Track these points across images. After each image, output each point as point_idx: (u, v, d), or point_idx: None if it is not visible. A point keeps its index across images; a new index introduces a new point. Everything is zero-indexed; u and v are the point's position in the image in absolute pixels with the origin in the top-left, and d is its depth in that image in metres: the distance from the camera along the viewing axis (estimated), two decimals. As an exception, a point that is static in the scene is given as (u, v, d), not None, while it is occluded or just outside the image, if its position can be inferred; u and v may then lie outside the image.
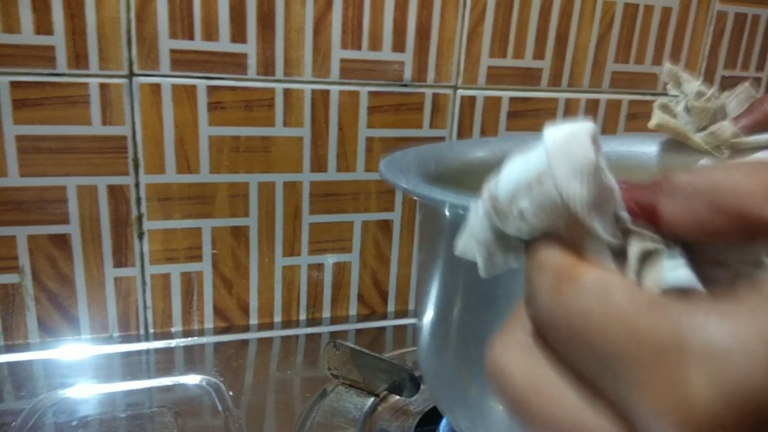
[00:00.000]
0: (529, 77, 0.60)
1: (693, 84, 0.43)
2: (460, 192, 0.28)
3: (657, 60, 0.63)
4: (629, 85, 0.63)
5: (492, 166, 0.50)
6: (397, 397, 0.48)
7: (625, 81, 0.63)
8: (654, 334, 0.12)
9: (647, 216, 0.15)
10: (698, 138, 0.42)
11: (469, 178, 0.44)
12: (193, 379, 0.49)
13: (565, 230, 0.16)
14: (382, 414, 0.47)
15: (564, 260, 0.15)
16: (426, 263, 0.36)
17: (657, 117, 0.43)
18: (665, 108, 0.44)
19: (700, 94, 0.43)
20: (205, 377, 0.50)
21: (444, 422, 0.44)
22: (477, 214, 0.18)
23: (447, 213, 0.32)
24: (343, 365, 0.49)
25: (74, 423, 0.44)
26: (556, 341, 0.14)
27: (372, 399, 0.48)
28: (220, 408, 0.46)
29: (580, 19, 0.59)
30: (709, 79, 0.66)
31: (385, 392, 0.48)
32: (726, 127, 0.40)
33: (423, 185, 0.30)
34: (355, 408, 0.47)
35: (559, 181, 0.15)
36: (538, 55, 0.59)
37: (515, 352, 0.15)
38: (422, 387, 0.48)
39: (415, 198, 0.31)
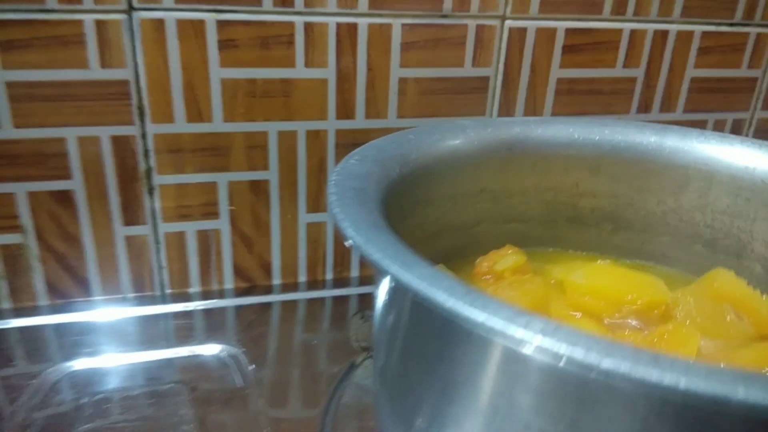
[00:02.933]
0: (589, 4, 0.51)
1: None
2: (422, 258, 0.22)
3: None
4: (703, 13, 0.54)
5: (469, 156, 0.43)
6: (434, 372, 0.44)
7: (699, 9, 0.54)
8: None
9: None
10: None
11: (443, 175, 0.38)
12: (212, 349, 0.46)
13: None
14: (417, 392, 0.43)
15: None
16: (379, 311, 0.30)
17: None
18: None
19: None
20: (225, 347, 0.46)
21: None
22: None
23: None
24: (371, 336, 0.45)
25: (88, 396, 0.41)
26: None
27: (406, 375, 0.43)
28: (240, 383, 0.42)
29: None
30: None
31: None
32: None
33: (385, 245, 0.23)
34: (388, 385, 0.43)
35: None
36: (601, -22, 0.50)
37: None
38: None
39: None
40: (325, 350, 0.47)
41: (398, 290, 0.27)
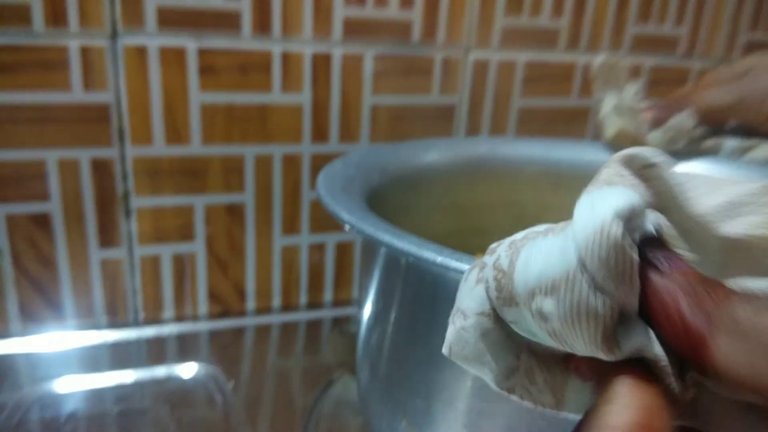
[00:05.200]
0: (546, 38, 0.55)
1: (628, 83, 0.42)
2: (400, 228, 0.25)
3: (680, 20, 0.59)
4: (650, 47, 0.59)
5: (441, 171, 0.46)
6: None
7: (647, 43, 0.59)
8: None
9: (693, 345, 0.12)
10: (654, 137, 0.41)
11: (417, 188, 0.41)
12: (189, 369, 0.45)
13: (601, 342, 0.13)
14: (395, 402, 0.43)
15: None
16: (363, 285, 0.32)
17: (614, 124, 0.41)
18: (619, 110, 0.41)
19: (637, 93, 0.42)
20: (202, 366, 0.46)
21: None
22: (469, 290, 0.16)
23: (382, 252, 0.29)
24: (350, 352, 0.45)
25: (62, 419, 0.40)
26: None
27: (383, 386, 0.44)
28: (218, 400, 0.42)
29: (599, -24, 0.55)
30: (731, 42, 0.62)
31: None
32: (686, 119, 0.39)
33: (367, 217, 0.26)
34: (365, 397, 0.43)
35: (599, 282, 0.13)
36: (556, 13, 0.55)
37: None
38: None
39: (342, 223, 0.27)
40: (301, 369, 0.47)
41: (390, 259, 0.28)
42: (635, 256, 0.13)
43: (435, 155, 0.43)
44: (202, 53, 0.47)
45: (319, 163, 0.52)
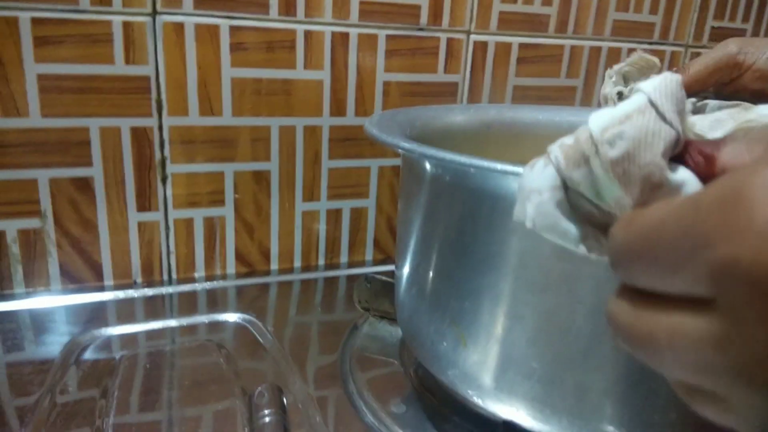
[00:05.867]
0: (538, 24, 0.61)
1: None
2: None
3: (654, 9, 0.66)
4: (629, 33, 0.66)
5: (457, 131, 0.52)
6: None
7: (625, 29, 0.66)
8: (713, 198, 0.14)
9: (706, 160, 0.18)
10: None
11: (447, 142, 0.46)
12: (228, 317, 0.50)
13: (663, 151, 0.18)
14: (417, 342, 0.48)
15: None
16: (408, 217, 0.37)
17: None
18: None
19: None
20: (240, 315, 0.50)
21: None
22: (539, 173, 0.20)
23: (427, 166, 0.34)
24: (375, 298, 0.50)
25: (118, 357, 0.44)
26: (638, 270, 0.16)
27: (405, 329, 0.49)
28: (261, 341, 0.47)
29: (583, -32, 0.61)
30: (699, 29, 0.69)
31: (418, 322, 0.50)
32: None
33: (405, 140, 0.32)
34: (390, 335, 0.48)
35: (666, 114, 0.18)
36: (546, 1, 0.61)
37: (620, 305, 0.17)
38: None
39: (399, 151, 0.33)
40: (324, 320, 0.52)
41: (436, 179, 0.34)
42: (687, 99, 0.18)
43: (452, 117, 0.48)
44: (234, 31, 0.51)
45: (337, 134, 0.57)
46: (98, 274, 0.53)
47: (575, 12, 0.63)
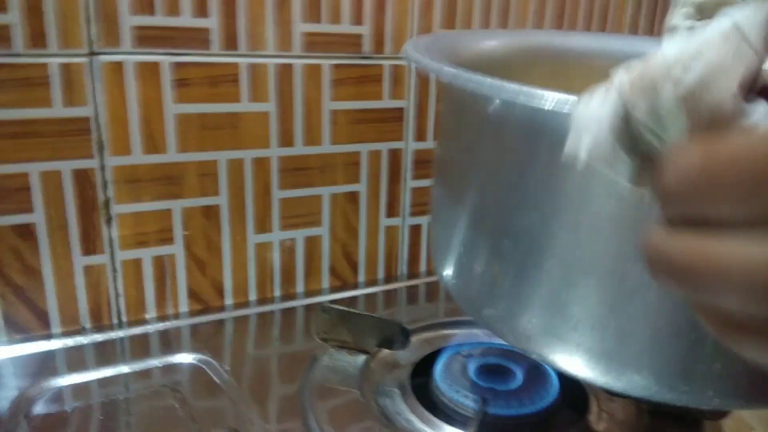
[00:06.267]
0: (478, 47, 0.63)
1: None
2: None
3: (585, 27, 0.68)
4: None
5: (502, 58, 0.47)
6: (387, 352, 0.50)
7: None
8: None
9: None
10: None
11: (479, 70, 0.44)
12: (182, 358, 0.49)
13: (742, 80, 0.16)
14: (376, 369, 0.49)
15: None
16: (452, 155, 0.36)
17: None
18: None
19: None
20: (194, 355, 0.49)
21: (438, 368, 0.47)
22: (599, 102, 0.18)
23: (470, 104, 0.32)
24: (333, 328, 0.50)
25: (69, 411, 0.43)
26: (707, 197, 0.15)
27: (364, 357, 0.49)
28: (218, 381, 0.46)
29: (518, -8, 0.63)
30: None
31: (376, 348, 0.50)
32: None
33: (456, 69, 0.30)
34: (351, 366, 0.48)
35: (752, 41, 0.16)
36: (484, 25, 0.63)
37: (667, 235, 0.17)
38: (412, 339, 0.50)
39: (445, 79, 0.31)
40: (283, 353, 0.52)
41: (477, 112, 0.33)
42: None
43: (496, 42, 0.45)
44: (176, 68, 0.51)
45: (286, 164, 0.57)
46: (45, 322, 0.51)
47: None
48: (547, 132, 0.28)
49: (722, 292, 0.15)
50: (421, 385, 0.46)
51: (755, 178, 0.14)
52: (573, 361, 0.30)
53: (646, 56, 0.17)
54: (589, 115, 0.18)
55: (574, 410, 0.44)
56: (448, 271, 0.36)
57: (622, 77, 0.18)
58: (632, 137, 0.18)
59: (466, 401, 0.43)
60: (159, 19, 0.49)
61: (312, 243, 0.61)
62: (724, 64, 0.16)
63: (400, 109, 0.61)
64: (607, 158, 0.18)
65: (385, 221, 0.64)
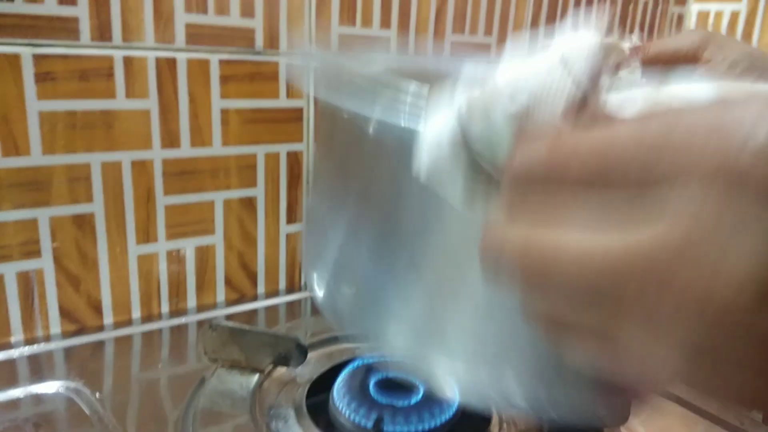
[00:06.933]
0: (377, 44, 0.60)
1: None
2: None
3: (489, 30, 0.68)
4: (467, 55, 0.67)
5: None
6: (283, 370, 0.46)
7: (464, 51, 0.67)
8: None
9: None
10: None
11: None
12: (49, 387, 0.43)
13: (564, 110, 0.17)
14: (270, 389, 0.45)
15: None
16: (327, 165, 0.34)
17: None
18: None
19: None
20: (64, 383, 0.43)
21: (337, 385, 0.43)
22: (443, 123, 0.19)
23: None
24: (222, 347, 0.46)
25: None
26: (578, 175, 0.15)
27: (257, 376, 0.45)
28: (88, 412, 0.41)
29: (420, -10, 0.62)
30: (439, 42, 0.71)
31: (270, 367, 0.46)
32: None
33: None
34: (241, 388, 0.44)
35: (575, 74, 0.17)
36: (385, 24, 0.60)
37: (503, 230, 0.16)
38: (309, 355, 0.47)
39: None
40: (171, 375, 0.47)
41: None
42: (605, 64, 0.17)
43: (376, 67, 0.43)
44: (38, 60, 0.45)
45: (172, 168, 0.52)
46: None
47: (413, 34, 0.62)
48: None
49: (554, 284, 0.15)
50: (318, 404, 0.43)
51: (599, 164, 0.14)
52: (443, 371, 0.27)
53: (486, 80, 0.18)
54: (431, 137, 0.19)
55: (476, 423, 0.42)
56: (318, 284, 0.33)
57: (461, 100, 0.19)
58: (467, 161, 0.19)
59: (363, 420, 0.39)
60: (18, 6, 0.44)
61: (204, 253, 0.56)
62: (545, 96, 0.17)
63: (299, 109, 0.57)
64: (443, 180, 0.19)
65: (285, 228, 0.60)
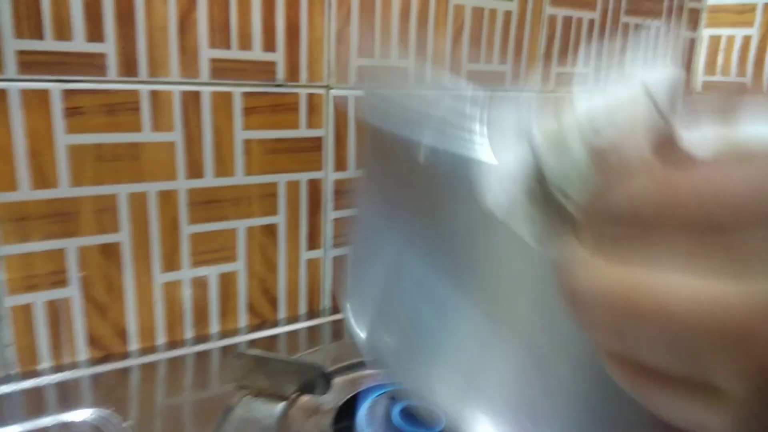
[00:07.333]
0: (398, 76, 0.62)
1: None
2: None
3: (503, 59, 0.69)
4: (482, 83, 0.68)
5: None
6: (308, 397, 0.47)
7: (480, 80, 0.68)
8: None
9: None
10: None
11: None
12: (78, 415, 0.44)
13: (653, 144, 0.16)
14: (296, 417, 0.45)
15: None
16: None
17: None
18: None
19: None
20: (92, 411, 0.44)
21: (361, 413, 0.44)
22: (516, 157, 0.18)
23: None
24: (248, 375, 0.46)
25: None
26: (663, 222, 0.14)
27: (282, 404, 0.46)
28: (115, 440, 0.41)
29: (436, 21, 0.63)
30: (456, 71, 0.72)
31: (296, 394, 0.46)
32: None
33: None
34: (267, 416, 0.45)
35: (661, 108, 0.16)
36: (403, 55, 0.61)
37: (594, 266, 0.15)
38: (333, 382, 0.47)
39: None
40: (197, 402, 0.47)
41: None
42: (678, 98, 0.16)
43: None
44: (67, 95, 0.47)
45: (196, 197, 0.53)
46: None
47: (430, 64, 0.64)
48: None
49: (655, 328, 0.14)
50: (343, 431, 0.43)
51: (718, 206, 0.13)
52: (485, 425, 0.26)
53: (560, 111, 0.17)
54: (503, 170, 0.18)
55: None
56: (357, 321, 0.33)
57: (534, 132, 0.18)
58: (544, 198, 0.17)
59: (388, 448, 0.40)
60: (47, 44, 0.45)
61: (227, 279, 0.57)
62: (633, 128, 0.16)
63: (319, 138, 0.58)
64: (517, 215, 0.18)
65: (306, 254, 0.61)
